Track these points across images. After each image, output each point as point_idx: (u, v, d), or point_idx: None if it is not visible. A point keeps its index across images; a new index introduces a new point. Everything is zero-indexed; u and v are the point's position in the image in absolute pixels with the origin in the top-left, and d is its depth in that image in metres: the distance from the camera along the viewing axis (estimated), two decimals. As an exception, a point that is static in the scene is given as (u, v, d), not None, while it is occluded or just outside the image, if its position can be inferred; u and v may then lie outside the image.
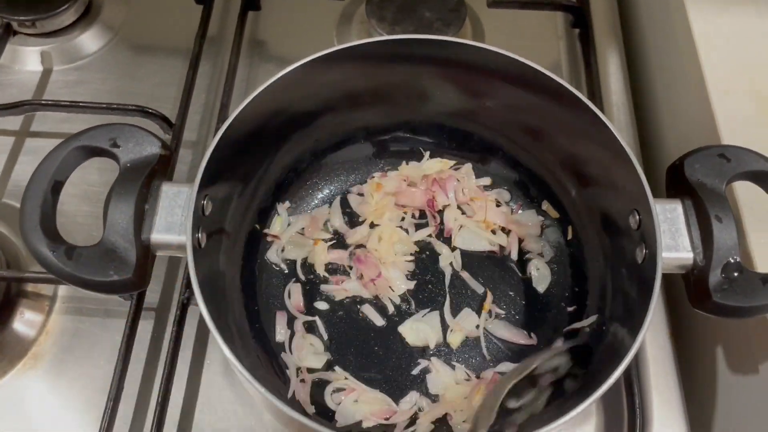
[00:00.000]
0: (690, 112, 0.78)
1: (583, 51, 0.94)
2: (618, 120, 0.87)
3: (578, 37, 0.96)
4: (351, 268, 0.72)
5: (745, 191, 0.63)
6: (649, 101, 0.92)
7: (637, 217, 0.58)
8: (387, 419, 0.63)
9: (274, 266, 0.72)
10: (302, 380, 0.65)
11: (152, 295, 0.73)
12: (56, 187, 0.53)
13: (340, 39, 0.94)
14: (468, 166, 0.76)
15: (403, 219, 0.74)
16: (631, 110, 0.88)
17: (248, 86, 0.91)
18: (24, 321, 0.71)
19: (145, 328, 0.71)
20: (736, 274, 0.53)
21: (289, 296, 0.70)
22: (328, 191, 0.77)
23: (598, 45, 0.93)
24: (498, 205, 0.74)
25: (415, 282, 0.71)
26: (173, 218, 0.55)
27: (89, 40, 0.93)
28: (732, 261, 0.53)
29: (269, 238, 0.72)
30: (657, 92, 0.90)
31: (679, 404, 0.67)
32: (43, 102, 0.81)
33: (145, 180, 0.55)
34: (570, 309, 0.69)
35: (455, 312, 0.70)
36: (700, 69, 0.75)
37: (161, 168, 0.57)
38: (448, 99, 0.71)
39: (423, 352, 0.68)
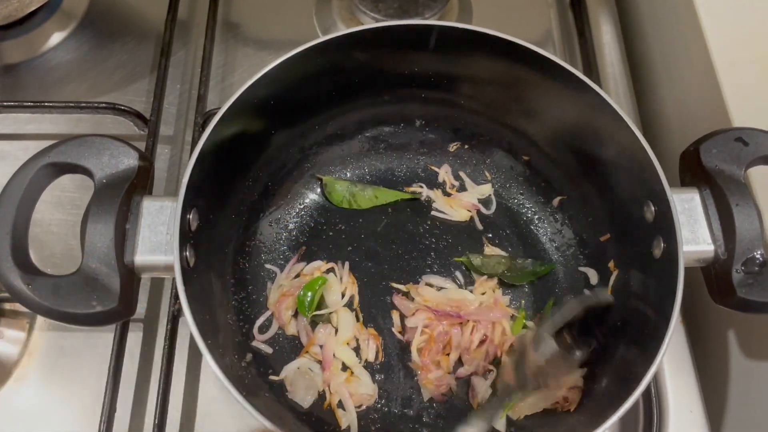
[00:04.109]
0: (694, 86, 0.74)
1: (576, 20, 0.89)
2: (616, 94, 0.83)
3: (569, 5, 0.92)
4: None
5: (759, 175, 0.59)
6: (647, 74, 0.88)
7: (653, 208, 0.54)
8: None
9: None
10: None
11: (139, 304, 0.68)
12: (26, 211, 0.49)
13: (319, 18, 0.88)
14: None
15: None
16: (629, 82, 0.85)
17: (225, 73, 0.86)
18: (4, 341, 0.67)
19: (134, 340, 0.67)
20: (760, 267, 0.50)
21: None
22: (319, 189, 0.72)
23: (591, 13, 0.89)
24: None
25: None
26: (158, 237, 0.51)
27: (50, 31, 0.86)
28: (756, 253, 0.50)
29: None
30: (655, 63, 0.86)
31: (694, 384, 0.66)
32: (5, 103, 0.75)
33: (124, 197, 0.50)
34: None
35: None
36: (703, 37, 0.71)
37: (140, 181, 0.52)
38: (443, 87, 0.67)
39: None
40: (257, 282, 0.66)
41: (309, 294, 0.64)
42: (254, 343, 0.63)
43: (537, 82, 0.61)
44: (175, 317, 0.65)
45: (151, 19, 0.88)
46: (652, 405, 0.63)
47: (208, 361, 0.48)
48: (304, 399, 0.60)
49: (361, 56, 0.62)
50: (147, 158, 0.53)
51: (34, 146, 0.77)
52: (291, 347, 0.64)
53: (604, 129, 0.59)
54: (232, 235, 0.65)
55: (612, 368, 0.56)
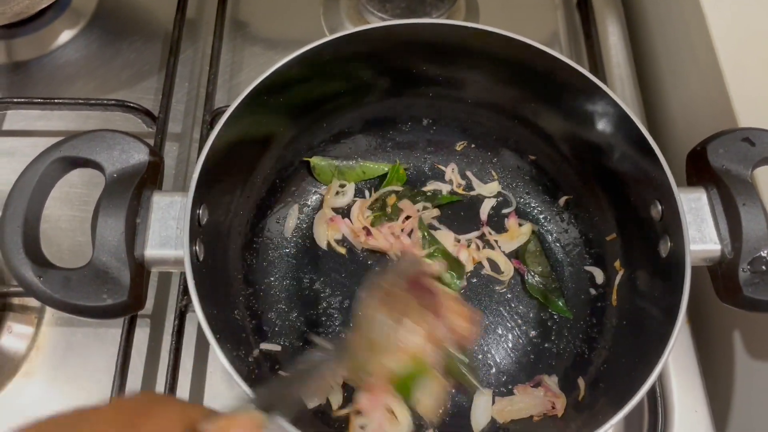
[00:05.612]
0: (700, 87, 0.74)
1: (582, 21, 0.90)
2: (623, 95, 0.83)
3: (576, 7, 0.92)
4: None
5: (766, 175, 0.60)
6: (653, 75, 0.89)
7: (659, 207, 0.55)
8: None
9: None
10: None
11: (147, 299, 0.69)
12: (38, 204, 0.49)
13: (327, 18, 0.89)
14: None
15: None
16: (636, 83, 0.85)
17: (233, 71, 0.86)
18: (12, 336, 0.67)
19: (141, 335, 0.67)
20: (766, 266, 0.50)
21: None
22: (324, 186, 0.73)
23: (597, 14, 0.89)
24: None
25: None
26: (168, 231, 0.51)
27: (60, 29, 0.87)
28: (763, 252, 0.50)
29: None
30: (661, 65, 0.86)
31: (699, 385, 0.66)
32: (15, 100, 0.76)
33: (134, 191, 0.51)
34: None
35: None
36: (709, 38, 0.71)
37: (151, 176, 0.52)
38: (451, 86, 0.67)
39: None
40: (264, 278, 0.67)
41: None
42: (262, 345, 0.63)
43: (544, 82, 0.62)
44: (182, 313, 0.65)
45: (159, 18, 0.88)
46: (657, 405, 0.63)
47: (219, 356, 0.48)
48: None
49: (368, 55, 0.63)
50: (157, 153, 0.54)
51: (44, 143, 0.77)
52: (298, 344, 0.64)
53: (611, 128, 0.60)
54: (240, 231, 0.65)
55: (617, 367, 0.56)
